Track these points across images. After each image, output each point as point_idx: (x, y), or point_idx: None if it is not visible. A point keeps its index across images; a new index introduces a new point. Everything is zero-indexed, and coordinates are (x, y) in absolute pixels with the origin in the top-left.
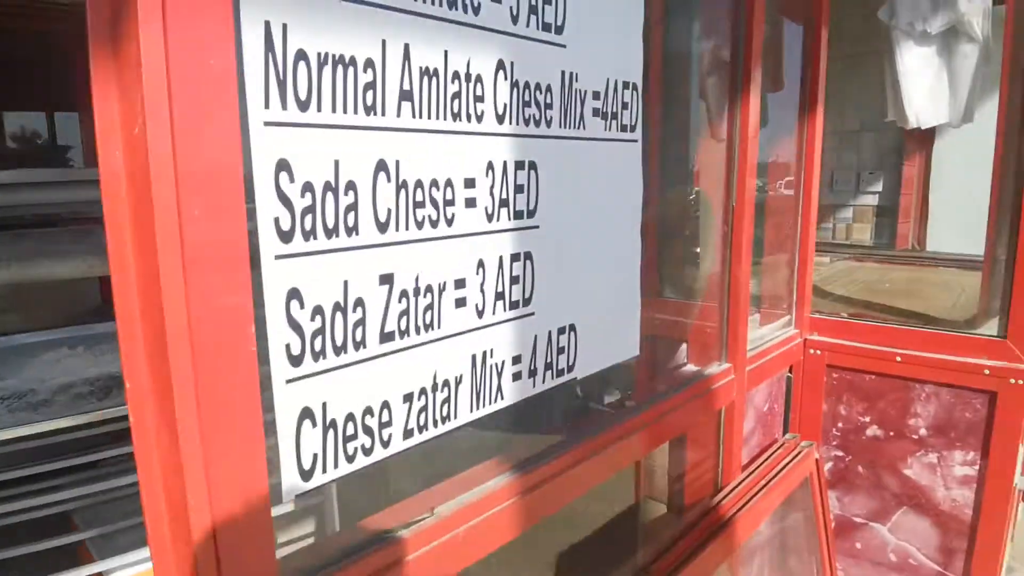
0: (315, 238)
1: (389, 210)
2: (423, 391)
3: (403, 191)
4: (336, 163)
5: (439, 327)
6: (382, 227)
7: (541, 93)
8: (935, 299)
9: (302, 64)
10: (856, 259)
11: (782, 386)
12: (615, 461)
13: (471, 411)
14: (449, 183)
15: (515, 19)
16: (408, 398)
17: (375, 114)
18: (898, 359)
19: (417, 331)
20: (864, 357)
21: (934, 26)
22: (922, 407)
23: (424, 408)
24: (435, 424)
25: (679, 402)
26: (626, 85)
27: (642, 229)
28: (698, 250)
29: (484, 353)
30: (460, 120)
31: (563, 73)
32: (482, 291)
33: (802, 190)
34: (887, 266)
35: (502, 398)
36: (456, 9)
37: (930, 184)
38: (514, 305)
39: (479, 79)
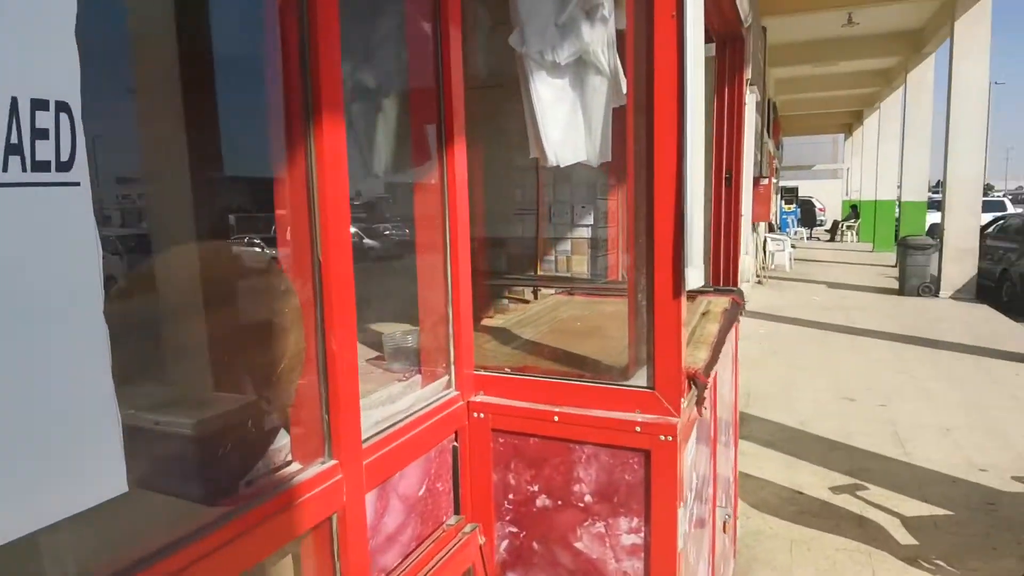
0: None
1: None
2: None
3: None
4: None
5: None
6: None
7: None
8: (619, 339)
9: None
10: (568, 293)
11: (447, 459)
12: None
13: None
14: None
15: None
16: None
17: None
18: (555, 418)
19: None
20: (526, 418)
21: (562, 56)
22: (584, 471)
23: None
24: None
25: (233, 534)
26: (42, 104)
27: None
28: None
29: None
30: None
31: None
32: None
33: (448, 229)
34: (594, 299)
35: None
36: None
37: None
38: None
39: None
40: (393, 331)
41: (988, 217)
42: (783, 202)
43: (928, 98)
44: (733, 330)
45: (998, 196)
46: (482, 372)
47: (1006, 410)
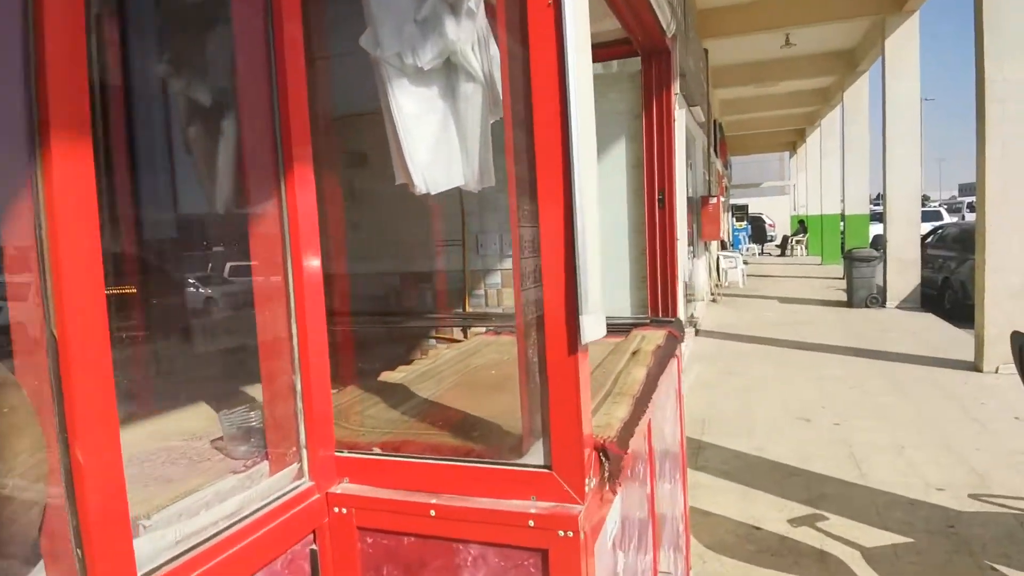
0: None
1: None
2: None
3: None
4: None
5: None
6: None
7: None
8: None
9: None
10: (494, 332)
11: (302, 568)
12: None
13: None
14: None
15: None
16: None
17: None
18: (432, 512)
19: None
20: (399, 513)
21: (424, 58)
22: None
23: None
24: None
25: None
26: None
27: None
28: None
29: None
30: None
31: None
32: None
33: (290, 276)
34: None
35: None
36: None
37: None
38: None
39: None
40: (236, 408)
41: (928, 227)
42: (734, 219)
43: (864, 115)
44: (673, 365)
45: (934, 206)
46: (346, 454)
47: (957, 423)
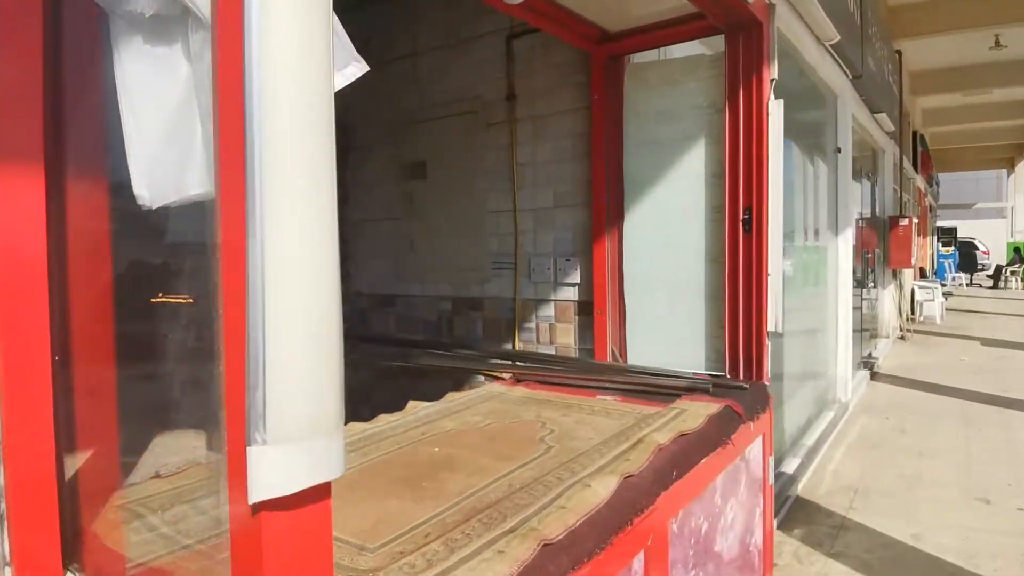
0: None
1: None
2: None
3: None
4: None
5: None
6: None
7: None
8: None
9: None
10: (513, 379)
11: None
12: None
13: None
14: None
15: None
16: None
17: None
18: None
19: None
20: None
21: (149, 5)
22: None
23: None
24: None
25: None
26: None
27: None
28: None
29: None
30: None
31: None
32: None
33: None
34: (550, 392)
35: None
36: None
37: (623, 275)
38: None
39: None
40: None
41: None
42: (939, 244)
43: None
44: (733, 453)
45: None
46: None
47: None
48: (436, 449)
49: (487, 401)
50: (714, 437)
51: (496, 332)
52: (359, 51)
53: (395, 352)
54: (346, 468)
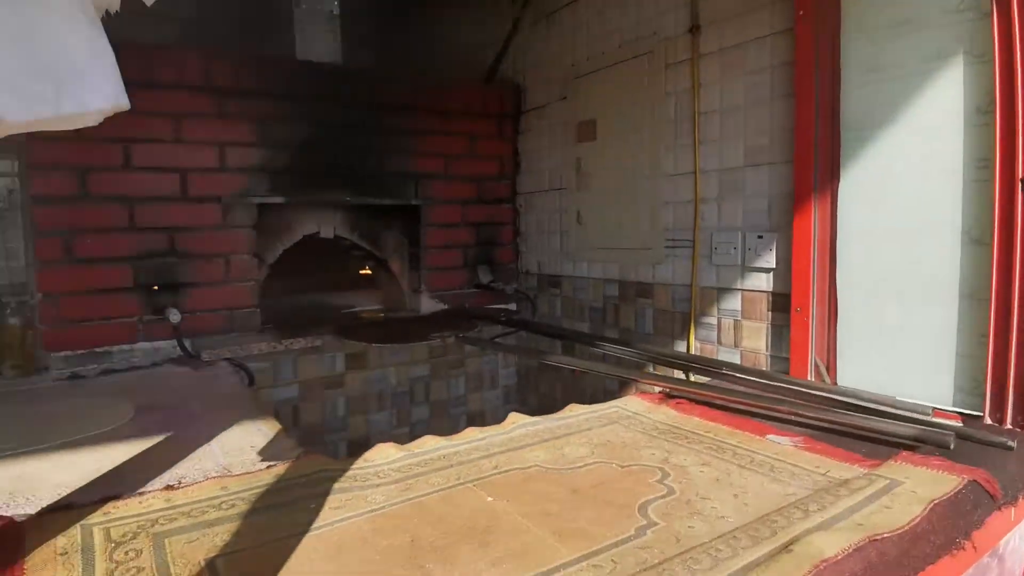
0: None
1: None
2: None
3: None
4: None
5: None
6: None
7: None
8: None
9: None
10: (691, 401)
11: None
12: None
13: None
14: None
15: None
16: None
17: None
18: None
19: None
20: None
21: None
22: None
23: None
24: None
25: None
26: None
27: None
28: None
29: None
30: None
31: None
32: None
33: None
34: (736, 432)
35: None
36: None
37: (837, 256)
38: None
39: None
40: None
41: None
42: None
43: None
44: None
45: None
46: None
47: None
48: (490, 499)
49: (609, 425)
50: (938, 541)
51: (668, 326)
52: None
53: (548, 344)
54: (369, 507)
